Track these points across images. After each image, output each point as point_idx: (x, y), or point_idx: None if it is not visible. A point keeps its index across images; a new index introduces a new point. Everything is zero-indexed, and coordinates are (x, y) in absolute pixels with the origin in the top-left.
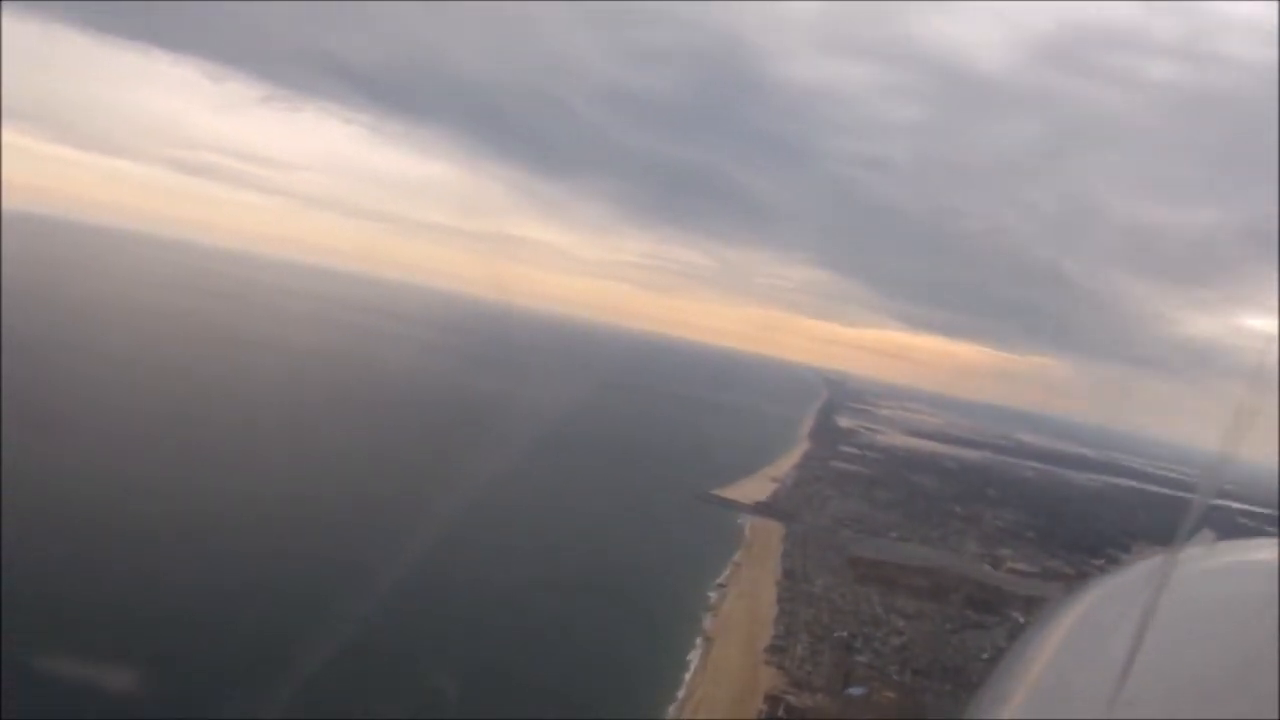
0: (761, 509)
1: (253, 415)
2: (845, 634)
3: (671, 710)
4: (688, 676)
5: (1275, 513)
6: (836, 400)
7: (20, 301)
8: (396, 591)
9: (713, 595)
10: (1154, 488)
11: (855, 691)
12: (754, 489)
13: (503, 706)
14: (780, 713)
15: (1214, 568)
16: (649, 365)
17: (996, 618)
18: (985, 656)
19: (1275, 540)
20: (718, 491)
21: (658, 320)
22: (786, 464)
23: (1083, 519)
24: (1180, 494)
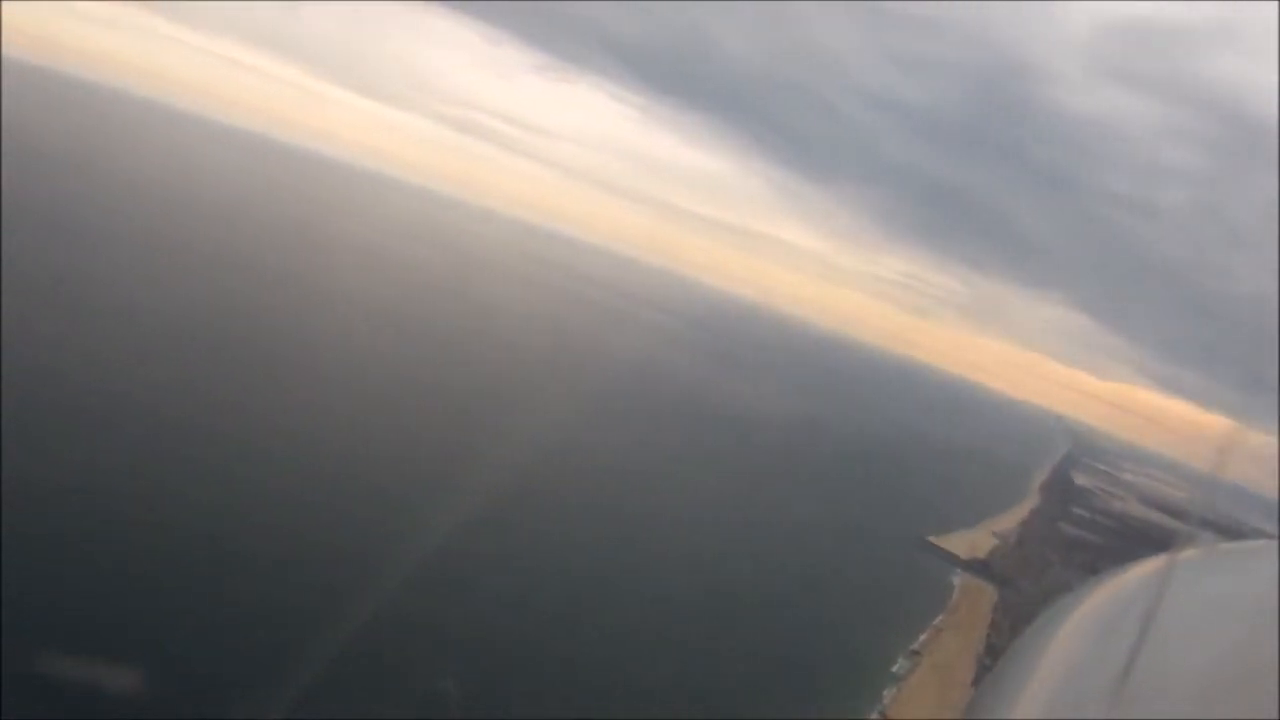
0: (976, 567)
1: (492, 396)
2: None
3: None
4: None
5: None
6: (1076, 455)
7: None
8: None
9: (902, 664)
10: None
11: None
12: (973, 542)
13: None
14: None
15: (1214, 569)
16: (890, 387)
17: None
18: None
19: (1275, 542)
20: (934, 539)
21: (904, 341)
22: (1012, 518)
23: None
24: None
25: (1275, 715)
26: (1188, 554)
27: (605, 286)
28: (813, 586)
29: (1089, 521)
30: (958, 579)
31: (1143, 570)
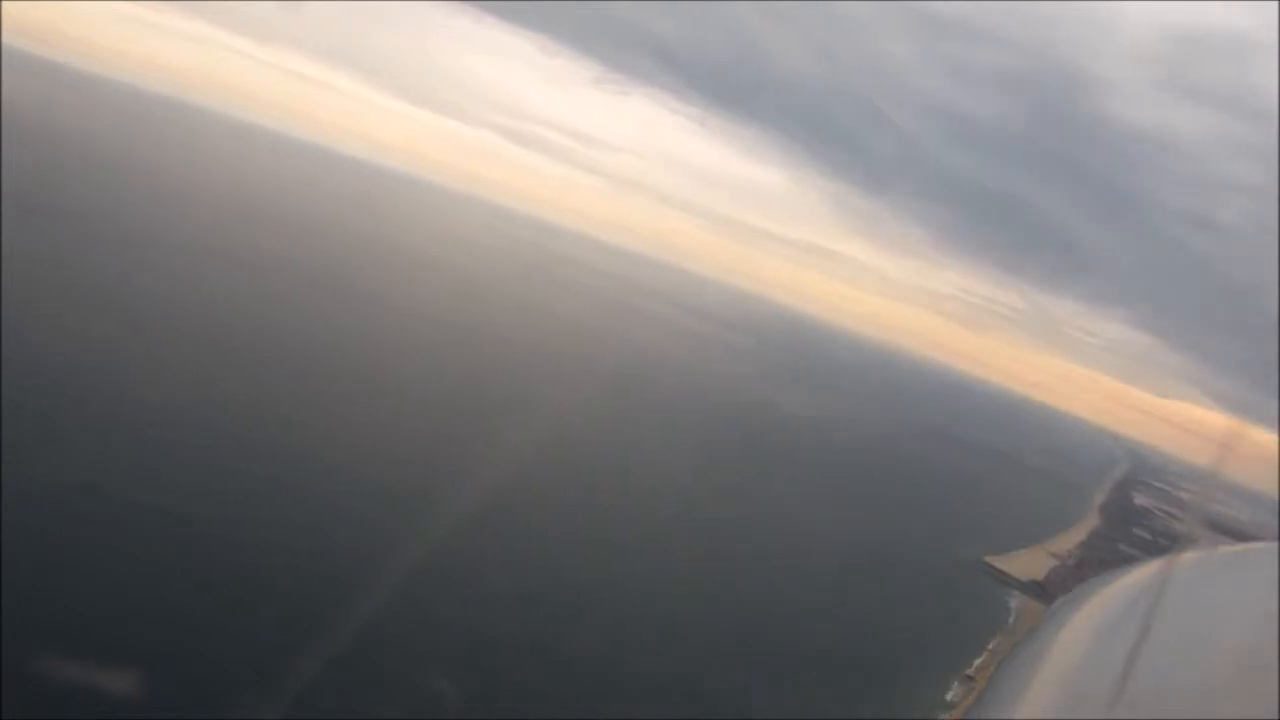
0: (1034, 589)
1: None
2: None
3: None
4: None
5: None
6: (1136, 475)
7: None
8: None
9: (955, 689)
10: None
11: None
12: (1030, 563)
13: None
14: None
15: (1215, 570)
16: (944, 402)
17: None
18: None
19: (1275, 544)
20: (991, 559)
21: (959, 355)
22: (1071, 539)
23: None
24: None
25: (1275, 716)
26: (1188, 556)
27: (658, 298)
28: (866, 606)
29: (1148, 543)
30: (1014, 601)
31: (1144, 571)
